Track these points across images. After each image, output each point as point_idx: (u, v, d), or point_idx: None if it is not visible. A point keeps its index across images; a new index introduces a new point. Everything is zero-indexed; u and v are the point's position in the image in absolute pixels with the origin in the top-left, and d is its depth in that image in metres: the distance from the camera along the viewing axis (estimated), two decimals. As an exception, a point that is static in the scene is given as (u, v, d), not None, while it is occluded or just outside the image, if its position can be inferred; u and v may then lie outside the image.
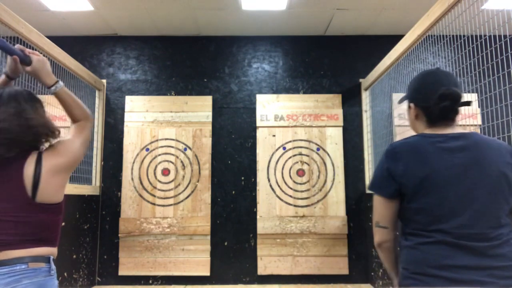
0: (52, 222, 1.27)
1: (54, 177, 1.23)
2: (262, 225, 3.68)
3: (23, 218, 1.18)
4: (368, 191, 3.71)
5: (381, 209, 1.19)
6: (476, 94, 3.39)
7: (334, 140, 3.81)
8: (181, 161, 3.78)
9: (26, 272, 1.15)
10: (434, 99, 1.13)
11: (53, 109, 3.53)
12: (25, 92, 1.32)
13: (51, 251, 1.28)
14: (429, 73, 1.22)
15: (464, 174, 1.08)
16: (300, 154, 3.80)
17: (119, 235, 3.66)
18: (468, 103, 1.16)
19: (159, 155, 3.78)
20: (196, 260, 3.64)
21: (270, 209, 3.71)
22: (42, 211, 1.21)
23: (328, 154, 3.79)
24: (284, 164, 3.78)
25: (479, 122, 3.66)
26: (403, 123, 3.62)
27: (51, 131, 1.29)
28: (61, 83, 1.41)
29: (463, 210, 1.07)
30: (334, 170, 3.76)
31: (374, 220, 1.22)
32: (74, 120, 1.48)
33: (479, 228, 1.05)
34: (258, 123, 3.85)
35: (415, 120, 1.25)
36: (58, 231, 1.32)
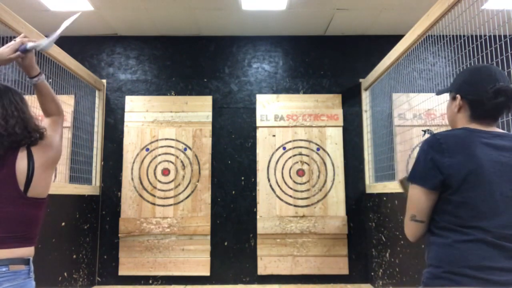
0: (37, 218, 1.28)
1: (45, 172, 1.25)
2: (262, 225, 3.68)
3: (11, 214, 1.19)
4: (367, 192, 3.72)
5: (420, 201, 1.13)
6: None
7: (334, 140, 3.81)
8: (181, 161, 3.78)
9: (6, 275, 1.15)
10: (490, 93, 1.10)
11: (53, 109, 3.53)
12: (13, 89, 1.34)
13: (30, 251, 1.31)
14: (483, 67, 1.18)
15: (509, 174, 1.06)
16: (300, 154, 3.80)
17: (119, 235, 3.66)
18: None
19: (159, 155, 3.78)
20: (196, 260, 3.64)
21: (270, 209, 3.71)
22: (31, 206, 1.23)
23: (328, 154, 3.79)
24: (284, 164, 3.78)
25: (479, 122, 3.66)
26: (403, 123, 3.62)
27: (40, 128, 1.29)
28: (43, 75, 1.43)
29: (505, 210, 1.04)
30: (334, 170, 3.76)
31: (410, 214, 1.16)
32: (49, 114, 1.46)
33: None
34: (258, 123, 3.85)
35: (456, 113, 1.21)
36: (39, 229, 1.34)
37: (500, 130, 1.15)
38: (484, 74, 1.15)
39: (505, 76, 1.15)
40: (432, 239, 1.14)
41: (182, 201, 3.71)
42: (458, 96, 1.20)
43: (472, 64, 2.22)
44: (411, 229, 1.17)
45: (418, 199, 1.14)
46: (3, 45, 2.55)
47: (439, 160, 1.10)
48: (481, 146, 1.08)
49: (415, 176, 1.17)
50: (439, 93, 1.34)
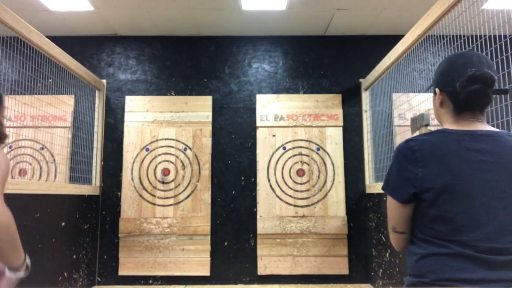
0: None
1: None
2: (262, 225, 3.68)
3: None
4: (367, 192, 3.72)
5: (396, 213, 1.08)
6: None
7: (334, 140, 3.81)
8: (181, 161, 3.78)
9: None
10: (463, 81, 0.98)
11: (52, 109, 3.54)
12: None
13: None
14: (458, 54, 1.06)
15: (491, 180, 0.96)
16: (300, 154, 3.80)
17: (119, 235, 3.66)
18: (505, 91, 1.02)
19: (159, 155, 3.78)
20: (196, 260, 3.64)
21: (270, 209, 3.71)
22: None
23: (328, 154, 3.79)
24: (284, 164, 3.78)
25: (479, 122, 3.66)
26: (403, 123, 3.61)
27: (3, 134, 1.24)
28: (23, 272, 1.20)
29: (487, 221, 0.95)
30: (334, 170, 3.76)
31: (390, 225, 1.10)
32: None
33: (502, 242, 0.95)
34: (258, 123, 3.85)
35: (440, 108, 1.11)
36: None
37: (488, 128, 1.04)
38: (459, 62, 1.04)
39: (486, 61, 1.02)
40: (411, 248, 1.08)
41: (182, 201, 3.71)
42: (437, 89, 1.10)
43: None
44: (394, 240, 1.12)
45: (394, 211, 1.08)
46: (3, 45, 2.56)
47: (411, 171, 1.01)
48: (461, 152, 0.98)
49: (388, 187, 1.10)
50: (426, 90, 1.25)
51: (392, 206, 1.08)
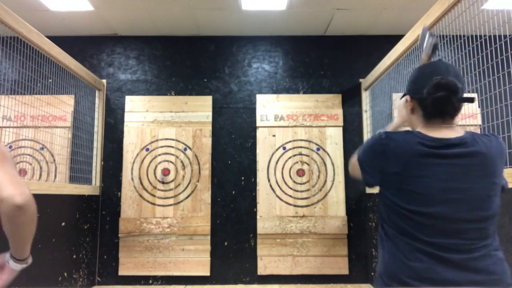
0: None
1: None
2: (262, 225, 3.68)
3: None
4: (367, 192, 3.71)
5: (357, 173, 1.20)
6: (476, 94, 3.39)
7: (334, 140, 3.81)
8: (181, 161, 3.78)
9: None
10: (430, 88, 1.04)
11: (52, 109, 3.54)
12: None
13: None
14: (428, 64, 1.14)
15: (454, 186, 1.01)
16: (300, 154, 3.80)
17: (119, 235, 3.66)
18: (470, 100, 1.05)
19: (159, 155, 3.78)
20: (196, 260, 3.64)
21: (270, 209, 3.71)
22: None
23: (328, 154, 3.79)
24: (284, 164, 3.78)
25: (479, 122, 3.66)
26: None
27: None
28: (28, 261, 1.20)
29: (448, 221, 1.00)
30: (334, 170, 3.76)
31: (356, 172, 1.22)
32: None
33: (462, 239, 0.99)
34: (258, 123, 3.85)
35: (411, 115, 1.16)
36: None
37: (457, 134, 1.06)
38: (428, 71, 1.09)
39: (452, 70, 1.07)
40: (382, 244, 1.15)
41: (182, 201, 3.71)
42: (408, 96, 1.15)
43: (472, 64, 2.22)
44: (354, 172, 1.23)
45: (356, 171, 1.21)
46: (3, 45, 2.56)
47: (381, 164, 1.09)
48: (428, 157, 1.02)
49: (360, 159, 1.18)
50: (401, 98, 1.29)
51: (356, 170, 1.20)
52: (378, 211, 1.21)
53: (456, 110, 1.07)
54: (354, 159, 1.23)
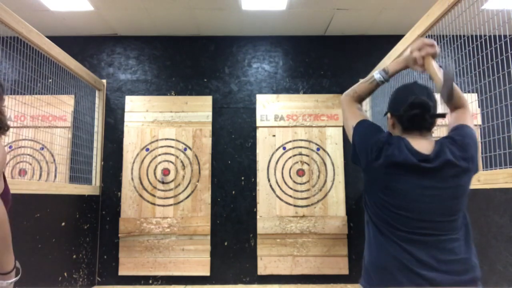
0: None
1: None
2: (262, 225, 3.68)
3: None
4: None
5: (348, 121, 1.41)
6: (476, 94, 3.39)
7: (334, 140, 3.81)
8: (181, 161, 3.78)
9: None
10: (406, 107, 1.19)
11: (52, 109, 3.54)
12: None
13: None
14: (408, 85, 1.30)
15: (430, 193, 1.14)
16: (300, 154, 3.80)
17: (119, 235, 3.66)
18: (443, 115, 1.21)
19: (159, 155, 3.78)
20: (196, 260, 3.64)
21: (270, 209, 3.71)
22: None
23: (328, 154, 3.79)
24: (284, 164, 3.78)
25: (479, 122, 3.66)
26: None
27: (5, 125, 1.19)
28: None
29: (424, 215, 1.14)
30: (334, 170, 3.76)
31: (352, 120, 1.40)
32: None
33: (435, 230, 1.13)
34: (258, 123, 3.85)
35: (392, 130, 1.31)
36: None
37: (431, 148, 1.19)
38: (405, 91, 1.26)
39: (426, 91, 1.23)
40: (369, 238, 1.23)
41: (182, 201, 3.71)
42: (389, 114, 1.32)
43: (472, 64, 2.22)
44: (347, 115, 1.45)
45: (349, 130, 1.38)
46: (3, 45, 2.56)
47: (368, 154, 1.21)
48: (408, 165, 1.15)
49: (356, 138, 1.30)
50: (384, 115, 1.42)
51: (348, 121, 1.44)
52: (364, 207, 1.28)
53: (431, 124, 1.23)
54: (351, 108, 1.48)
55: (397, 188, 1.15)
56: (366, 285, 1.20)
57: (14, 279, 1.08)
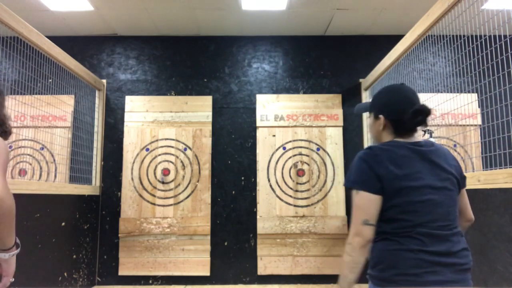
0: None
1: None
2: (262, 225, 3.68)
3: None
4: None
5: (369, 205, 1.21)
6: (476, 94, 3.39)
7: (334, 140, 3.81)
8: (181, 161, 3.78)
9: None
10: (410, 114, 1.23)
11: (52, 109, 3.54)
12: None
13: None
14: (397, 89, 1.33)
15: (432, 175, 1.21)
16: (300, 154, 3.80)
17: (119, 235, 3.66)
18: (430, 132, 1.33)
19: (159, 155, 3.78)
20: (196, 260, 3.64)
21: (270, 209, 3.71)
22: None
23: (328, 154, 3.79)
24: (284, 164, 3.78)
25: (479, 122, 3.66)
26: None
27: (6, 125, 1.30)
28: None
29: (438, 206, 1.20)
30: (334, 170, 3.76)
31: (362, 218, 1.21)
32: None
33: (447, 220, 1.20)
34: (258, 123, 3.85)
35: (381, 131, 1.33)
36: None
37: (419, 139, 1.30)
38: (400, 96, 1.30)
39: (416, 94, 1.31)
40: (384, 245, 1.22)
41: (182, 201, 3.71)
42: (382, 116, 1.32)
43: (472, 64, 2.22)
44: (367, 233, 1.20)
45: (367, 204, 1.21)
46: (3, 45, 2.55)
47: (376, 169, 1.21)
48: (411, 155, 1.22)
49: (358, 182, 1.24)
50: (359, 111, 1.47)
51: (365, 200, 1.21)
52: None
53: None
54: (356, 203, 1.26)
55: (412, 183, 1.21)
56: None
57: (15, 251, 1.20)
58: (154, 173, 3.76)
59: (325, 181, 3.75)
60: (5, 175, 1.16)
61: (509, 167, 1.76)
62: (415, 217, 1.17)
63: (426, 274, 1.12)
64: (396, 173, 1.19)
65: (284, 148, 3.81)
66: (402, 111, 1.25)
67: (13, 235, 1.18)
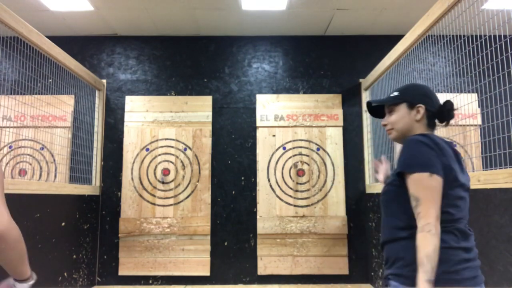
0: None
1: None
2: (262, 225, 3.68)
3: None
4: (367, 192, 3.71)
5: (440, 189, 1.13)
6: (476, 94, 3.39)
7: (334, 140, 3.81)
8: (181, 161, 3.78)
9: None
10: (448, 106, 1.29)
11: (52, 109, 3.54)
12: None
13: None
14: (422, 84, 1.39)
15: (462, 174, 1.24)
16: (300, 154, 3.80)
17: (119, 235, 3.66)
18: None
19: (159, 155, 3.78)
20: (196, 260, 3.64)
21: (270, 209, 3.71)
22: None
23: (328, 154, 3.79)
24: (284, 164, 3.78)
25: (479, 122, 3.66)
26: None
27: None
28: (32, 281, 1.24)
29: (467, 202, 1.25)
30: (334, 170, 3.76)
31: (434, 215, 1.10)
32: None
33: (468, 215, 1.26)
34: (258, 123, 3.85)
35: (416, 122, 1.30)
36: None
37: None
38: (431, 91, 1.35)
39: None
40: (451, 242, 1.14)
41: (182, 201, 3.71)
42: (423, 106, 1.29)
43: (472, 64, 2.22)
44: (436, 235, 1.09)
45: (440, 188, 1.14)
46: (3, 45, 2.55)
47: (441, 158, 1.18)
48: (451, 152, 1.24)
49: (430, 166, 1.13)
50: (379, 102, 1.40)
51: (438, 183, 1.14)
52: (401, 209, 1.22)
53: None
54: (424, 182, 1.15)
55: (457, 176, 1.25)
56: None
57: (31, 282, 1.22)
58: (154, 173, 3.76)
59: (325, 181, 3.75)
60: (5, 202, 1.09)
61: (509, 167, 1.76)
62: (457, 212, 1.18)
63: (463, 271, 1.13)
64: (451, 165, 1.18)
65: (284, 148, 3.81)
66: (438, 104, 1.31)
67: (26, 264, 1.17)
